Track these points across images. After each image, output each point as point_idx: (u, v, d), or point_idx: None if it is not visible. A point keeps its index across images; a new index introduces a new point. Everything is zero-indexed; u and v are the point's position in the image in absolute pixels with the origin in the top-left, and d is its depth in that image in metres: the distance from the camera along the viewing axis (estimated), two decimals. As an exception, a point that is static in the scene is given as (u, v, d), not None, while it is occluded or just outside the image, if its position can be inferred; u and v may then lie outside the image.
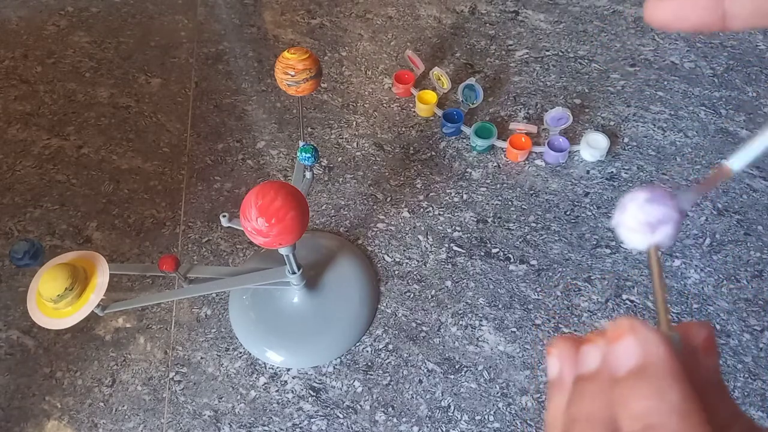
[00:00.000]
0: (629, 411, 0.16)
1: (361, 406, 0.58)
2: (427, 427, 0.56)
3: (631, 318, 0.17)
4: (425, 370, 0.59)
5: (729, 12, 0.16)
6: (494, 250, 0.67)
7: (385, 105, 0.81)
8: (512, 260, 0.66)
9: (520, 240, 0.67)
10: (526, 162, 0.74)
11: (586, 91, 0.81)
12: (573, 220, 0.69)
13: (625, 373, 0.17)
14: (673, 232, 0.18)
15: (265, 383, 0.59)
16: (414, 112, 0.79)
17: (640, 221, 0.18)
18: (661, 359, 0.17)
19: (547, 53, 0.86)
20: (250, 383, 0.59)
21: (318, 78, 0.50)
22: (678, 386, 0.16)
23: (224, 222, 0.52)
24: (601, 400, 0.18)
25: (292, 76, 0.49)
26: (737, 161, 0.17)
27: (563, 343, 0.20)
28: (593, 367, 0.19)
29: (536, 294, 0.63)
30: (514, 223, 0.69)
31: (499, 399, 0.57)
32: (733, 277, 0.64)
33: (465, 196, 0.71)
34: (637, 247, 0.18)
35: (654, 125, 0.77)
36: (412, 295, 0.64)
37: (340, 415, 0.57)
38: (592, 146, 0.73)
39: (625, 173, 0.72)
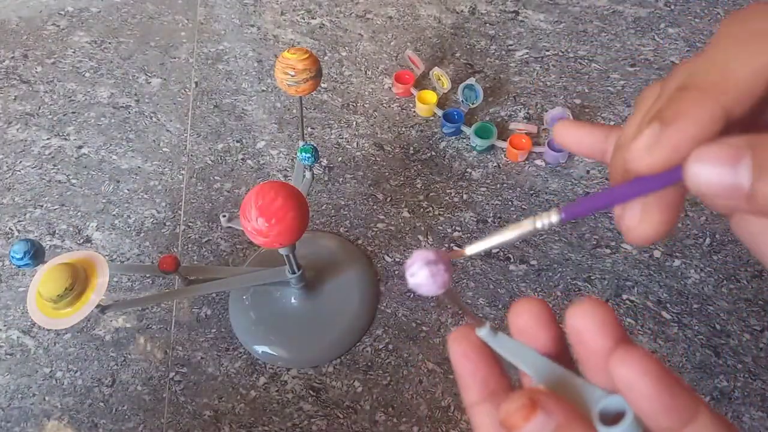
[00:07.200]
0: None
1: (361, 406, 0.58)
2: (427, 427, 0.56)
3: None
4: (425, 370, 0.59)
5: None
6: (494, 250, 0.67)
7: (385, 105, 0.81)
8: (512, 260, 0.66)
9: (519, 240, 0.67)
10: (526, 162, 0.74)
11: (586, 91, 0.81)
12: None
13: None
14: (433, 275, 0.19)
15: (265, 383, 0.59)
16: (414, 112, 0.79)
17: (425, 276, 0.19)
18: None
19: (547, 53, 0.86)
20: (250, 383, 0.59)
21: (318, 78, 0.50)
22: None
23: (224, 222, 0.52)
24: None
25: (292, 76, 0.49)
26: (473, 248, 0.20)
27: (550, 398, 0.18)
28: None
29: (536, 294, 0.63)
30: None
31: (499, 399, 0.57)
32: (733, 277, 0.64)
33: (465, 196, 0.71)
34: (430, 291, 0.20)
35: (654, 125, 0.77)
36: (412, 295, 0.64)
37: (340, 415, 0.57)
38: (592, 146, 0.73)
39: (625, 173, 0.72)
